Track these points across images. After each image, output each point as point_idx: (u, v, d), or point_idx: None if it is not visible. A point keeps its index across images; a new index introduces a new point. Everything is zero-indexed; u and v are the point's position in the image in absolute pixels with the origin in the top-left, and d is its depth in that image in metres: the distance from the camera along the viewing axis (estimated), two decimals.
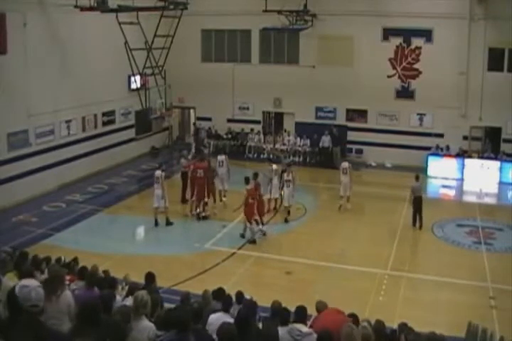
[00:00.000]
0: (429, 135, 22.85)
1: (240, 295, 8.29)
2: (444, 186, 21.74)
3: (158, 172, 16.65)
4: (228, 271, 13.57)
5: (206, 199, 17.11)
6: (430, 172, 22.13)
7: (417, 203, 16.48)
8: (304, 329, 6.03)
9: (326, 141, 23.49)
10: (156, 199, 16.41)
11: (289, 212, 17.34)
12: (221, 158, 18.48)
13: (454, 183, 21.77)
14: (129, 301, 6.34)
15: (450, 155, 22.20)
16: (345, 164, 18.42)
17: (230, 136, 25.50)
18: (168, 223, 16.64)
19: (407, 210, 18.10)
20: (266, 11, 20.78)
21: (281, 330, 6.18)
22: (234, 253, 14.69)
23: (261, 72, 24.79)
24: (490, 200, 20.97)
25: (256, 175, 16.24)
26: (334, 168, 22.11)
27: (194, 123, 26.60)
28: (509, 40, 20.55)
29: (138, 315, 5.53)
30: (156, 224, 16.54)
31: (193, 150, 23.21)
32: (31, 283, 3.87)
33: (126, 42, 16.68)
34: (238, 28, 25.13)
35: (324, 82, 23.56)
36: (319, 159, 23.64)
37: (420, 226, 16.37)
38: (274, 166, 17.98)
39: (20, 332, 3.51)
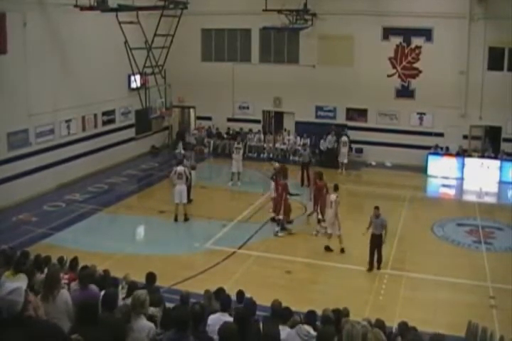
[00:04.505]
0: (429, 134, 22.86)
1: (240, 294, 8.29)
2: (444, 185, 21.73)
3: (181, 168, 16.73)
4: (228, 270, 13.55)
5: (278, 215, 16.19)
6: (430, 171, 22.15)
7: (375, 241, 13.58)
8: (312, 331, 6.10)
9: (331, 141, 23.46)
10: (177, 195, 16.56)
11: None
12: (238, 145, 20.76)
13: (454, 182, 21.77)
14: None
15: (450, 155, 22.21)
16: (344, 138, 22.70)
17: (229, 135, 25.48)
18: (186, 219, 16.80)
19: (407, 210, 18.15)
20: (266, 10, 20.80)
21: (289, 329, 6.21)
22: (234, 253, 14.68)
23: (261, 71, 24.78)
24: (490, 199, 20.98)
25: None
26: (337, 168, 22.21)
27: (177, 142, 26.15)
28: (509, 39, 20.55)
29: (136, 314, 5.53)
30: (176, 219, 16.70)
31: (181, 151, 22.49)
32: (9, 286, 3.82)
33: (126, 42, 16.67)
34: (238, 28, 25.13)
35: (324, 82, 23.55)
36: (320, 159, 23.59)
37: (379, 266, 13.68)
38: (277, 164, 18.01)
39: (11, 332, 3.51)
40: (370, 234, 13.58)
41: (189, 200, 17.93)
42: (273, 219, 16.50)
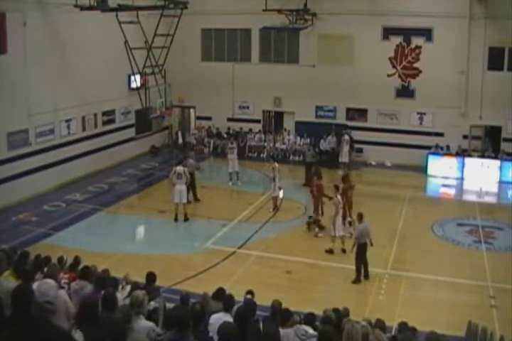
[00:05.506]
0: (429, 134, 22.86)
1: (248, 294, 8.34)
2: (444, 185, 21.73)
3: (180, 168, 16.73)
4: (228, 270, 13.56)
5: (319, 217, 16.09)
6: (430, 171, 22.15)
7: (363, 251, 13.06)
8: (310, 331, 6.10)
9: (332, 142, 23.44)
10: (177, 195, 16.54)
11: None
12: (231, 145, 20.85)
13: (454, 182, 21.76)
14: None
15: (450, 155, 22.20)
16: (346, 137, 22.75)
17: (229, 135, 25.44)
18: (186, 219, 16.79)
19: (407, 209, 18.16)
20: (266, 10, 20.79)
21: (287, 329, 6.21)
22: (234, 253, 14.69)
23: (261, 71, 24.78)
24: (490, 199, 20.98)
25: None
26: (338, 168, 22.16)
27: (177, 132, 26.37)
28: (509, 39, 20.55)
29: (135, 315, 5.54)
30: (176, 219, 16.69)
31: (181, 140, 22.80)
32: (50, 281, 3.90)
33: (126, 42, 16.66)
34: (238, 28, 25.13)
35: (324, 81, 23.56)
36: (320, 158, 23.53)
37: (366, 275, 13.20)
38: (276, 164, 18.02)
39: (24, 330, 3.50)
40: (357, 244, 13.02)
41: (196, 199, 18.34)
42: (313, 222, 16.25)
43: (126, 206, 18.48)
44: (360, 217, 13.26)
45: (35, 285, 3.78)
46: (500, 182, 21.26)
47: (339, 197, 14.90)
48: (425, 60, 22.64)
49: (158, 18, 16.86)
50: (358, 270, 13.07)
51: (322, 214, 16.10)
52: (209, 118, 26.24)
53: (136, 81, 19.22)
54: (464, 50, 21.73)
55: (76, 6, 16.31)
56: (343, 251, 14.53)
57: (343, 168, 22.12)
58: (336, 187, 15.15)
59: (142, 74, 18.51)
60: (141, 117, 22.46)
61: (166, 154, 25.12)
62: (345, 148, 22.65)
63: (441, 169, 22.04)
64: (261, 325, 6.33)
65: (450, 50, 22.00)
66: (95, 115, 21.83)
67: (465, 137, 22.64)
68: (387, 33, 23.01)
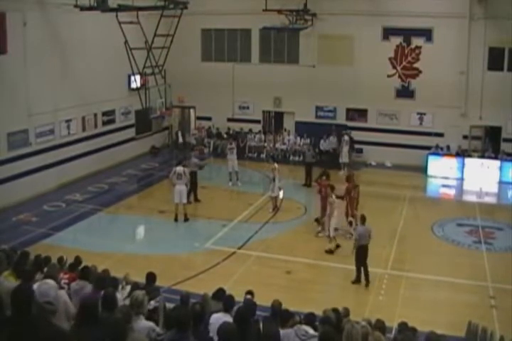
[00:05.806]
0: (429, 134, 22.87)
1: (248, 294, 8.33)
2: (444, 185, 21.74)
3: (180, 169, 16.71)
4: (228, 270, 13.56)
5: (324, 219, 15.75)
6: (430, 171, 22.15)
7: (363, 253, 12.88)
8: (311, 331, 6.11)
9: (333, 142, 23.43)
10: (177, 195, 16.55)
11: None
12: (231, 146, 20.94)
13: (454, 183, 21.76)
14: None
15: (450, 155, 22.21)
16: (346, 137, 22.63)
17: (229, 135, 25.44)
18: (186, 219, 16.80)
19: (407, 209, 18.16)
20: (266, 10, 20.79)
21: (288, 329, 6.22)
22: (234, 253, 14.69)
23: (261, 71, 24.79)
24: (490, 200, 20.98)
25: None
26: (338, 169, 22.12)
27: (177, 132, 26.49)
28: (509, 39, 20.55)
29: (135, 315, 5.54)
30: (176, 219, 16.70)
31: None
32: (50, 281, 3.90)
33: (126, 42, 16.66)
34: (238, 28, 25.14)
35: (324, 82, 23.56)
36: (320, 159, 23.51)
37: (367, 281, 12.94)
38: (276, 165, 18.02)
39: (25, 330, 3.50)
40: (357, 247, 12.86)
41: (196, 200, 18.33)
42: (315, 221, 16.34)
43: (126, 206, 18.48)
44: (363, 219, 13.12)
45: (35, 286, 3.77)
46: (500, 183, 21.26)
47: (334, 197, 14.95)
48: (425, 60, 22.64)
49: (158, 18, 16.85)
50: (358, 270, 13.05)
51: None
52: (209, 119, 26.25)
53: (136, 81, 19.22)
54: (464, 50, 21.74)
55: (76, 6, 16.31)
56: (338, 246, 14.61)
57: (343, 168, 22.16)
58: (332, 188, 15.15)
59: (142, 75, 18.51)
60: (141, 117, 22.46)
61: (166, 154, 25.13)
62: (345, 149, 22.54)
63: (441, 169, 22.04)
64: (261, 325, 6.33)
65: (450, 50, 22.01)
66: (95, 115, 21.84)
67: (465, 137, 22.65)
68: (387, 33, 23.01)
